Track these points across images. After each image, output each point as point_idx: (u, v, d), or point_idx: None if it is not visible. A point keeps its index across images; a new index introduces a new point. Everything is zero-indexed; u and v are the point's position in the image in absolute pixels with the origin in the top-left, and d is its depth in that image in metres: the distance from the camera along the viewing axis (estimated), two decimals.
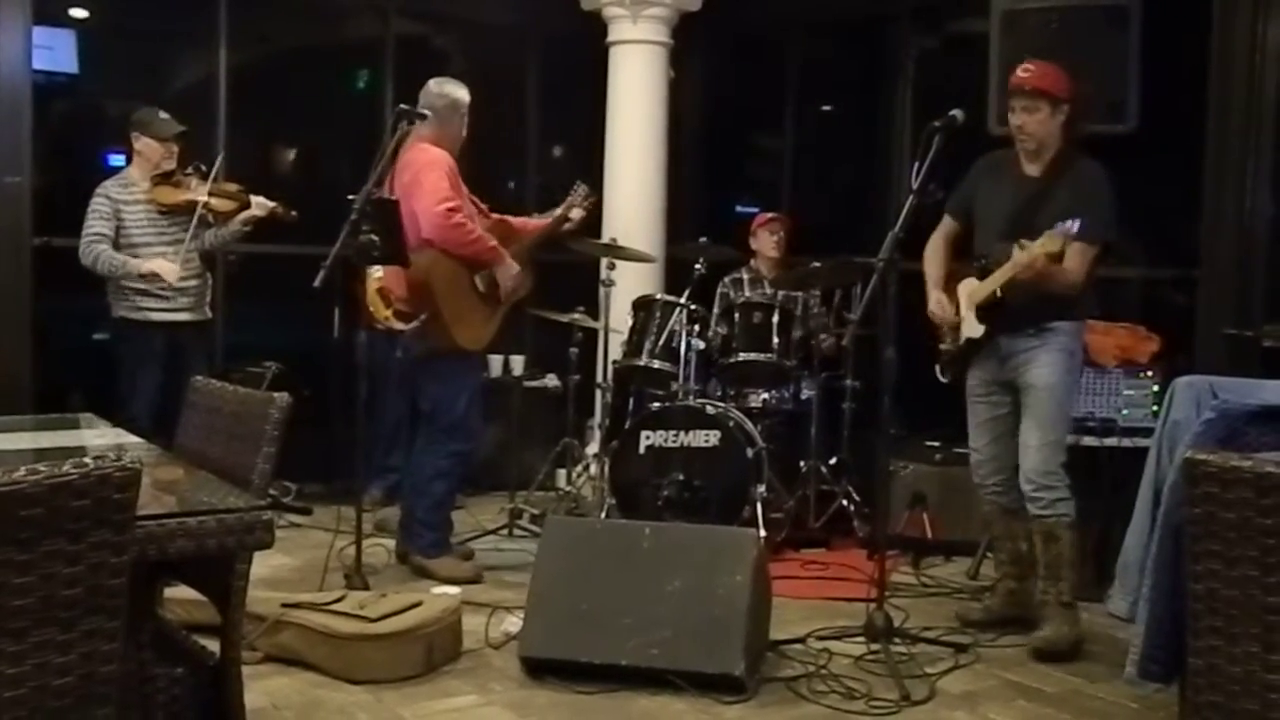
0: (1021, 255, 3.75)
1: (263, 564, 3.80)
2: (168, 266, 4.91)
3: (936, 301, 4.18)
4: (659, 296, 5.64)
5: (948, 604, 4.51)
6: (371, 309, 4.58)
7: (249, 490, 2.43)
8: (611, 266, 5.61)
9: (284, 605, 3.73)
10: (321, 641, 3.60)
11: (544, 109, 7.28)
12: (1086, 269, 3.90)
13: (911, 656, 3.80)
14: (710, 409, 5.20)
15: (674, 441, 5.10)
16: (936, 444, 5.41)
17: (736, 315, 5.51)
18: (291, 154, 7.25)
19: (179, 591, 3.07)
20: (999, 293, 3.93)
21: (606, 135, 6.68)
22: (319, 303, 4.28)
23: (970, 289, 4.08)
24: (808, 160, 7.17)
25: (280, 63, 6.91)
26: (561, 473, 6.17)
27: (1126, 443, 4.51)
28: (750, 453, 5.07)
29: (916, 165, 3.81)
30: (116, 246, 4.91)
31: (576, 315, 5.68)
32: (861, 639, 3.88)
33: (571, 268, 6.36)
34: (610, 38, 6.67)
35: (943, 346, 4.21)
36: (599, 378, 5.74)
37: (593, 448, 6.12)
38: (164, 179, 5.02)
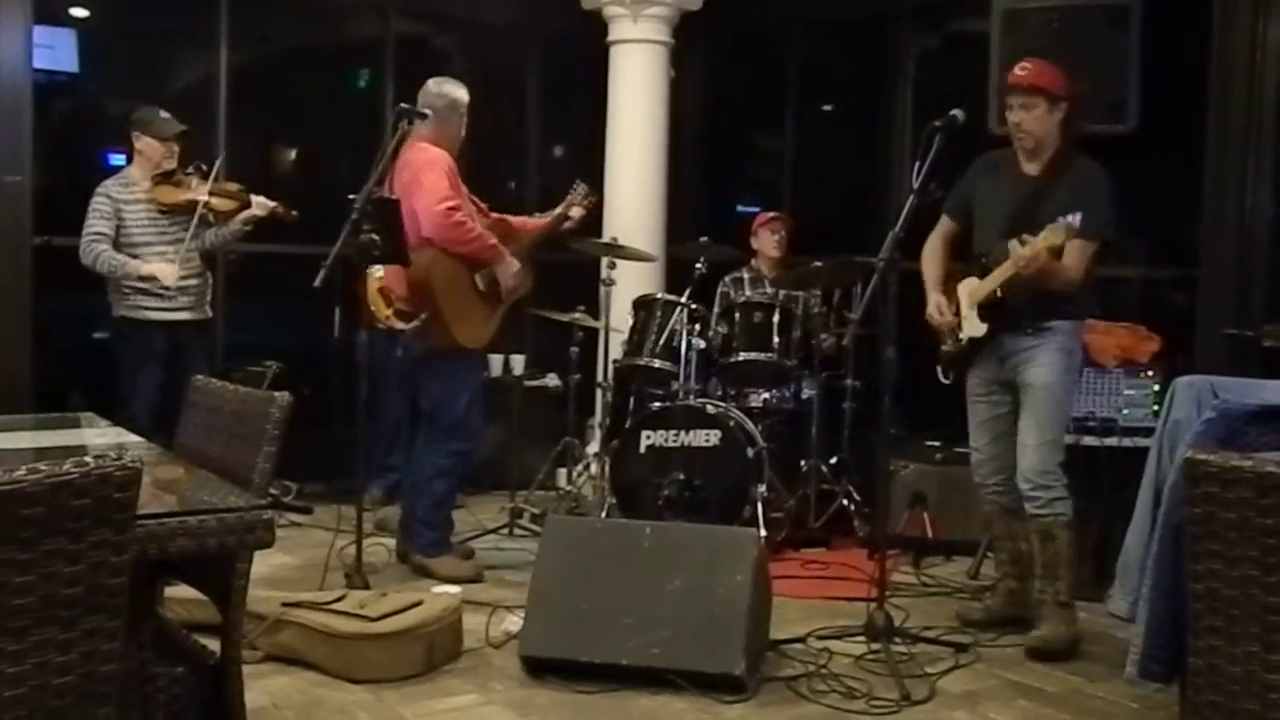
0: (1023, 250, 3.74)
1: (263, 563, 3.80)
2: (166, 269, 4.90)
3: (935, 305, 4.18)
4: (659, 296, 5.64)
5: (948, 604, 4.51)
6: (372, 308, 4.57)
7: (249, 489, 2.43)
8: (612, 266, 5.61)
9: (284, 604, 3.73)
10: (322, 641, 3.60)
11: (544, 109, 7.28)
12: (1086, 266, 3.90)
13: (912, 656, 3.80)
14: (711, 408, 5.20)
15: (674, 441, 5.10)
16: (937, 443, 5.40)
17: (737, 315, 5.51)
18: (292, 154, 7.26)
19: (179, 591, 3.07)
20: (1000, 291, 3.93)
21: (607, 135, 6.68)
22: (319, 302, 4.28)
23: (971, 288, 4.08)
24: (808, 160, 7.17)
25: (280, 63, 6.91)
26: (562, 472, 6.17)
27: (1127, 442, 4.51)
28: (751, 452, 5.07)
29: (917, 165, 3.82)
30: (117, 246, 4.91)
31: (577, 315, 5.68)
32: (862, 638, 3.88)
33: (572, 267, 6.36)
34: (610, 37, 6.67)
35: (944, 347, 4.20)
36: (599, 377, 5.74)
37: (593, 447, 6.12)
38: (165, 178, 5.03)
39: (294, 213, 5.26)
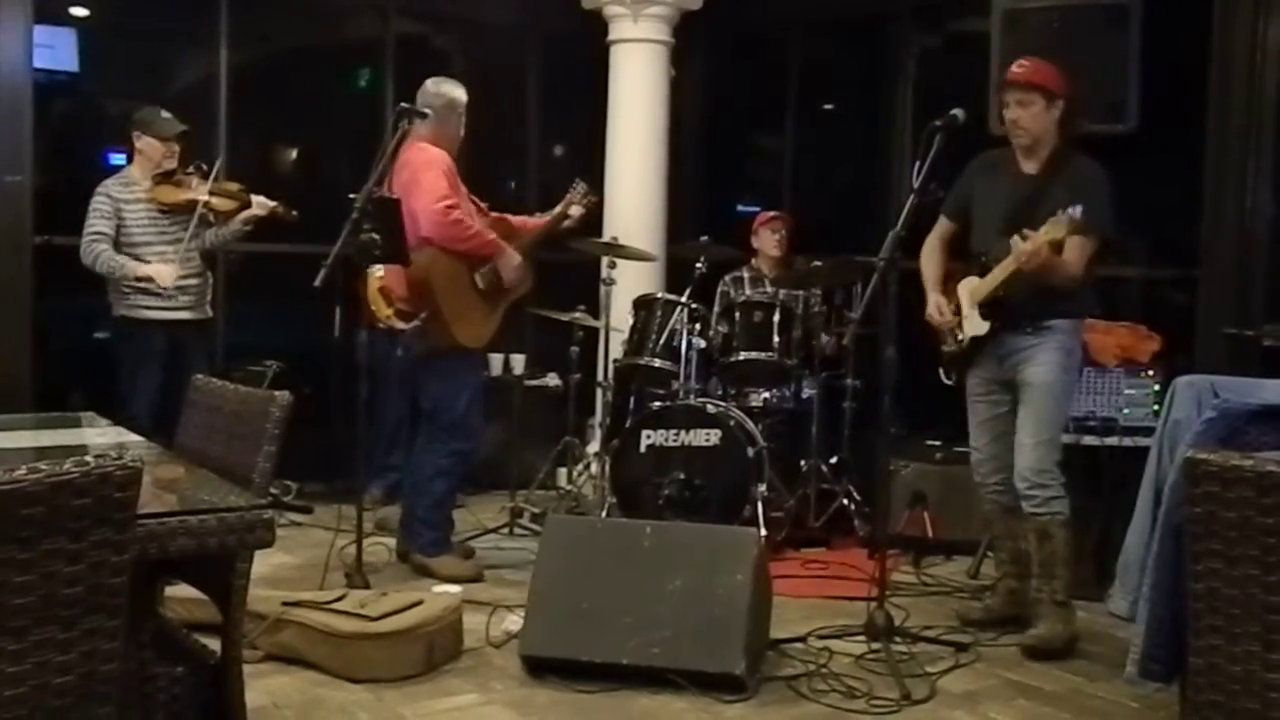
0: (1025, 245, 3.74)
1: (263, 563, 3.80)
2: (164, 270, 4.90)
3: (935, 305, 4.18)
4: (660, 295, 5.64)
5: (948, 603, 4.51)
6: (373, 308, 4.57)
7: (250, 489, 2.43)
8: (612, 265, 5.61)
9: (285, 604, 3.73)
10: (322, 640, 3.60)
11: (544, 108, 7.28)
12: (1086, 262, 3.90)
13: (912, 655, 3.80)
14: (711, 408, 5.20)
15: (675, 440, 5.10)
16: (937, 443, 5.40)
17: (737, 314, 5.51)
18: (292, 153, 7.26)
19: (180, 590, 3.07)
20: (1001, 289, 3.93)
21: (607, 134, 6.68)
22: (320, 302, 4.28)
23: (972, 287, 4.08)
24: (808, 159, 7.17)
25: (280, 62, 6.91)
26: (562, 471, 6.17)
27: (1127, 442, 4.51)
28: (751, 452, 5.07)
29: (917, 164, 3.82)
30: (117, 245, 4.91)
31: (577, 314, 5.68)
32: (862, 638, 3.88)
33: (572, 267, 6.36)
34: (611, 37, 6.67)
35: (946, 348, 4.20)
36: (600, 376, 5.74)
37: (593, 446, 6.12)
38: (165, 178, 5.03)
39: (294, 213, 5.26)
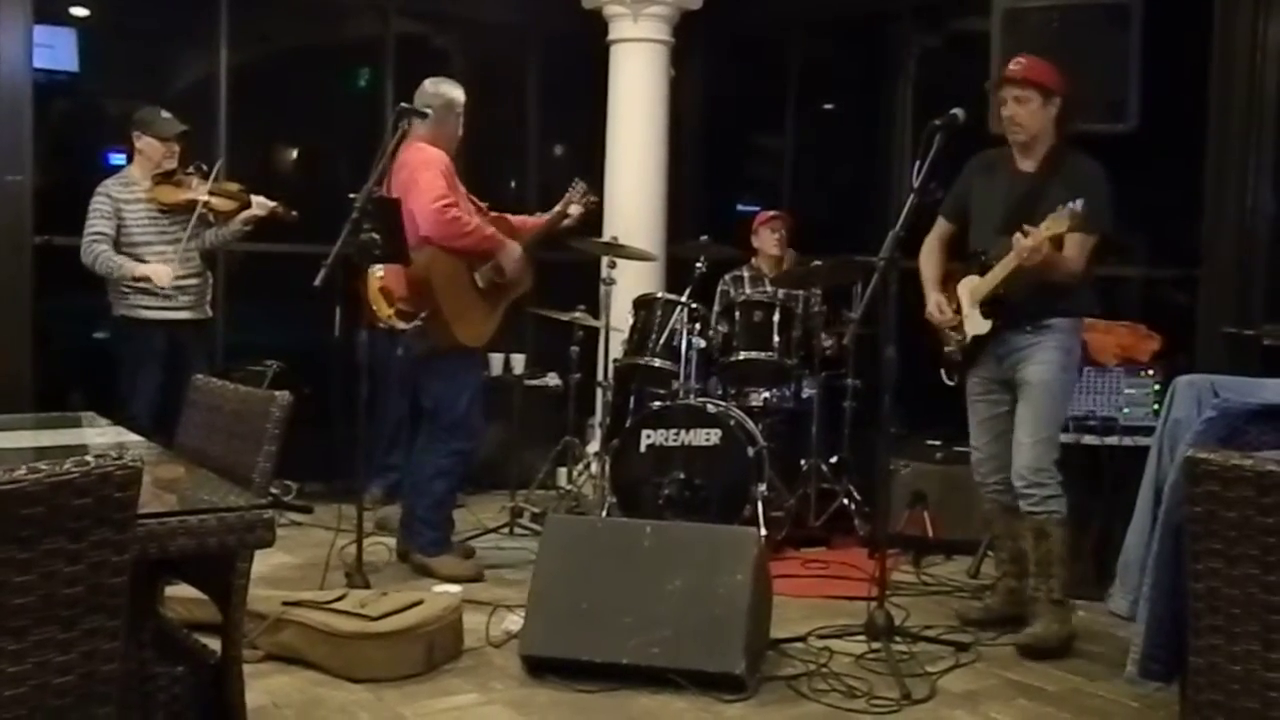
0: (1026, 241, 3.73)
1: (264, 562, 3.80)
2: (161, 270, 4.90)
3: (935, 304, 4.18)
4: (660, 295, 5.64)
5: (948, 603, 4.51)
6: (374, 307, 4.57)
7: (250, 489, 2.42)
8: (612, 265, 5.61)
9: (285, 604, 3.73)
10: (322, 640, 3.60)
11: (544, 108, 7.28)
12: (1086, 259, 3.90)
13: (912, 655, 3.80)
14: (711, 407, 5.20)
15: (675, 440, 5.10)
16: (937, 443, 5.40)
17: (737, 314, 5.51)
18: (292, 153, 7.26)
19: (180, 590, 3.08)
20: (1002, 287, 3.93)
21: (607, 134, 6.68)
22: (320, 302, 4.28)
23: (972, 285, 4.08)
24: (808, 159, 7.17)
25: (280, 62, 6.91)
26: (562, 471, 6.17)
27: (1127, 441, 4.51)
28: (751, 451, 5.07)
29: (917, 164, 3.82)
30: (117, 245, 4.91)
31: (577, 314, 5.68)
32: (862, 638, 3.88)
33: (572, 266, 6.36)
34: (611, 36, 6.67)
35: (947, 349, 4.20)
36: (600, 376, 5.74)
37: (593, 446, 6.12)
38: (165, 178, 5.03)
39: (294, 213, 5.26)
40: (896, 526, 5.22)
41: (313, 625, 3.62)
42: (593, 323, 5.68)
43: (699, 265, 5.59)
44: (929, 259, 4.27)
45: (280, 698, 3.41)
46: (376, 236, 4.28)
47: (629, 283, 5.81)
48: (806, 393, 5.61)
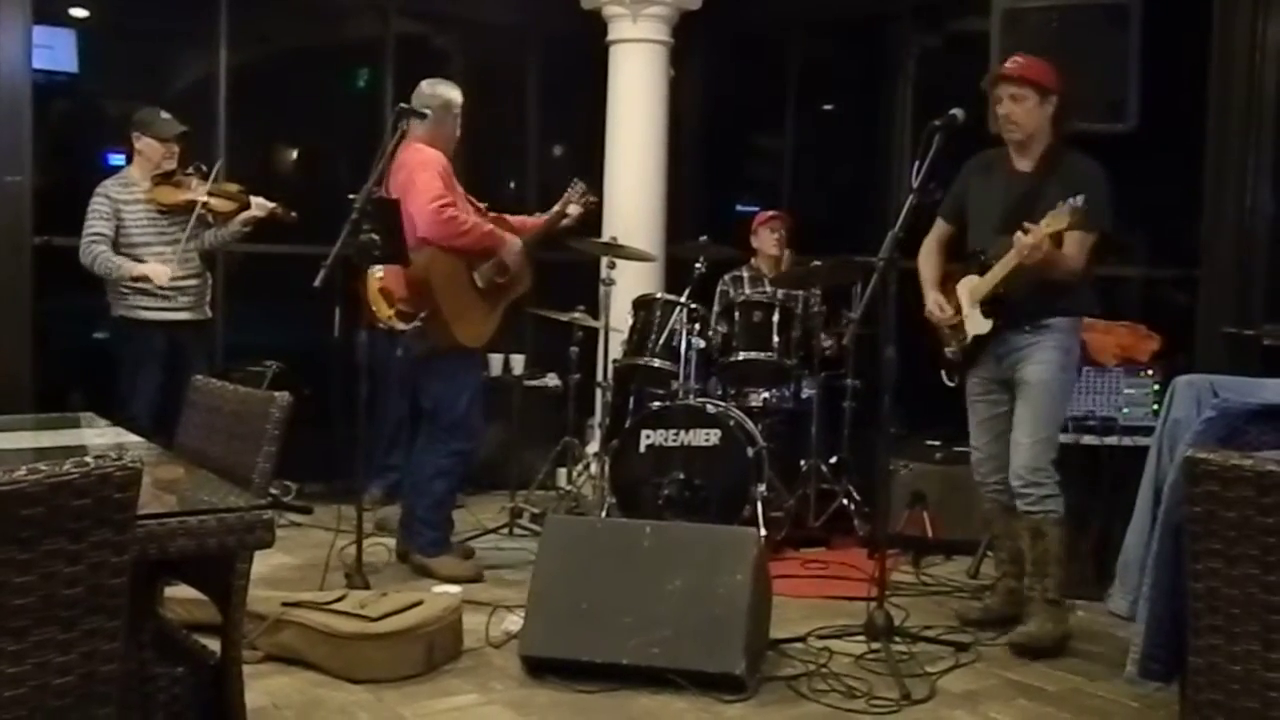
0: (1027, 238, 3.73)
1: (263, 563, 3.80)
2: (159, 269, 4.90)
3: (935, 302, 4.18)
4: (659, 295, 5.64)
5: (948, 603, 4.51)
6: (374, 308, 4.57)
7: (249, 489, 2.43)
8: (612, 265, 5.61)
9: (285, 604, 3.73)
10: (322, 641, 3.60)
11: (544, 108, 7.29)
12: (1085, 257, 3.90)
13: (912, 655, 3.80)
14: (711, 408, 5.20)
15: (674, 440, 5.10)
16: (937, 443, 5.40)
17: (737, 314, 5.51)
18: (291, 154, 7.26)
19: (180, 591, 3.07)
20: (1002, 286, 3.93)
21: (607, 134, 6.68)
22: (319, 302, 4.28)
23: (972, 285, 4.07)
24: (808, 159, 7.17)
25: (280, 63, 6.91)
26: (562, 472, 6.17)
27: (1127, 441, 4.51)
28: (750, 452, 5.07)
29: (917, 164, 3.82)
30: (116, 246, 4.91)
31: (577, 314, 5.68)
32: (862, 638, 3.88)
33: (572, 267, 6.36)
34: (610, 37, 6.67)
35: (948, 350, 4.19)
36: (599, 377, 5.74)
37: (593, 447, 6.12)
38: (164, 179, 5.03)
39: (293, 214, 5.26)
40: (896, 527, 5.22)
41: (312, 626, 3.62)
42: (592, 323, 5.68)
43: (698, 265, 5.59)
44: (927, 260, 4.27)
45: (280, 698, 3.41)
46: (376, 237, 4.28)
47: (628, 283, 5.81)
48: (806, 393, 5.61)
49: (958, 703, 3.50)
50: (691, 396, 5.29)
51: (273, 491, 4.15)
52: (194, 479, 2.54)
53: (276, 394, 2.62)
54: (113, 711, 1.80)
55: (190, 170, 5.09)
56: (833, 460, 5.62)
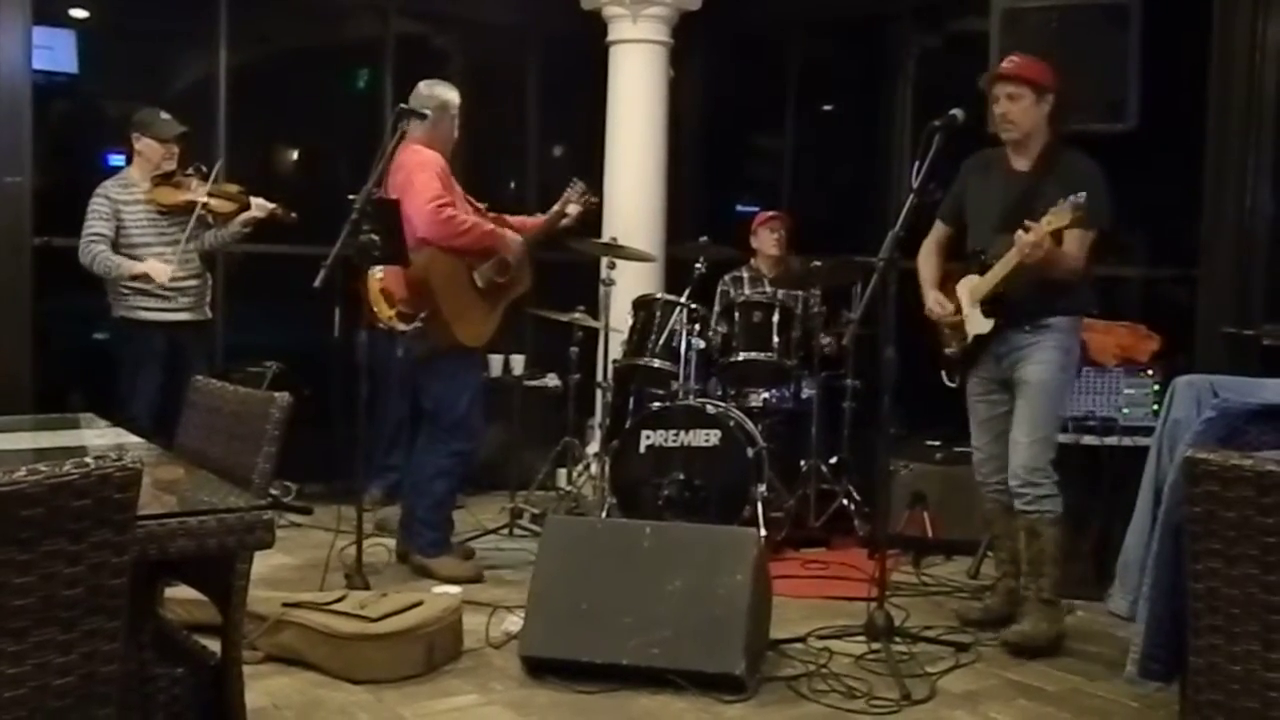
0: (1028, 236, 3.73)
1: (263, 563, 3.80)
2: (160, 267, 4.90)
3: (935, 300, 4.18)
4: (659, 296, 5.64)
5: (948, 603, 4.51)
6: (375, 308, 4.57)
7: (249, 490, 2.43)
8: (612, 266, 5.61)
9: (285, 605, 3.73)
10: (322, 641, 3.60)
11: (544, 109, 7.29)
12: (1085, 255, 3.90)
13: (912, 655, 3.80)
14: (711, 408, 5.20)
15: (674, 441, 5.10)
16: (937, 443, 5.40)
17: (737, 314, 5.51)
18: (291, 154, 7.26)
19: (180, 591, 3.07)
20: (1003, 285, 3.93)
21: (606, 135, 6.68)
22: (319, 302, 4.28)
23: (972, 285, 4.07)
24: (808, 160, 7.17)
25: (280, 63, 6.91)
26: (562, 472, 6.17)
27: (1127, 441, 4.51)
28: (750, 452, 5.07)
29: (917, 164, 3.82)
30: (116, 246, 4.91)
31: (577, 315, 5.69)
32: (862, 638, 3.88)
33: (572, 267, 6.36)
34: (610, 37, 6.67)
35: (948, 350, 4.19)
36: (599, 377, 5.73)
37: (593, 447, 6.12)
38: (164, 179, 5.03)
39: (293, 215, 5.26)
40: (896, 527, 5.22)
41: (312, 626, 3.62)
42: (592, 323, 5.68)
43: (698, 266, 5.59)
44: (927, 261, 4.27)
45: (280, 699, 3.41)
46: (376, 238, 4.28)
47: (628, 283, 5.81)
48: (806, 393, 5.61)
49: (958, 703, 3.50)
50: (691, 397, 5.29)
51: (273, 492, 4.15)
52: (194, 479, 2.54)
53: (276, 394, 2.62)
54: (113, 712, 1.80)
55: (190, 171, 5.09)
56: (833, 460, 5.62)
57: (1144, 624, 2.80)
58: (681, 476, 5.04)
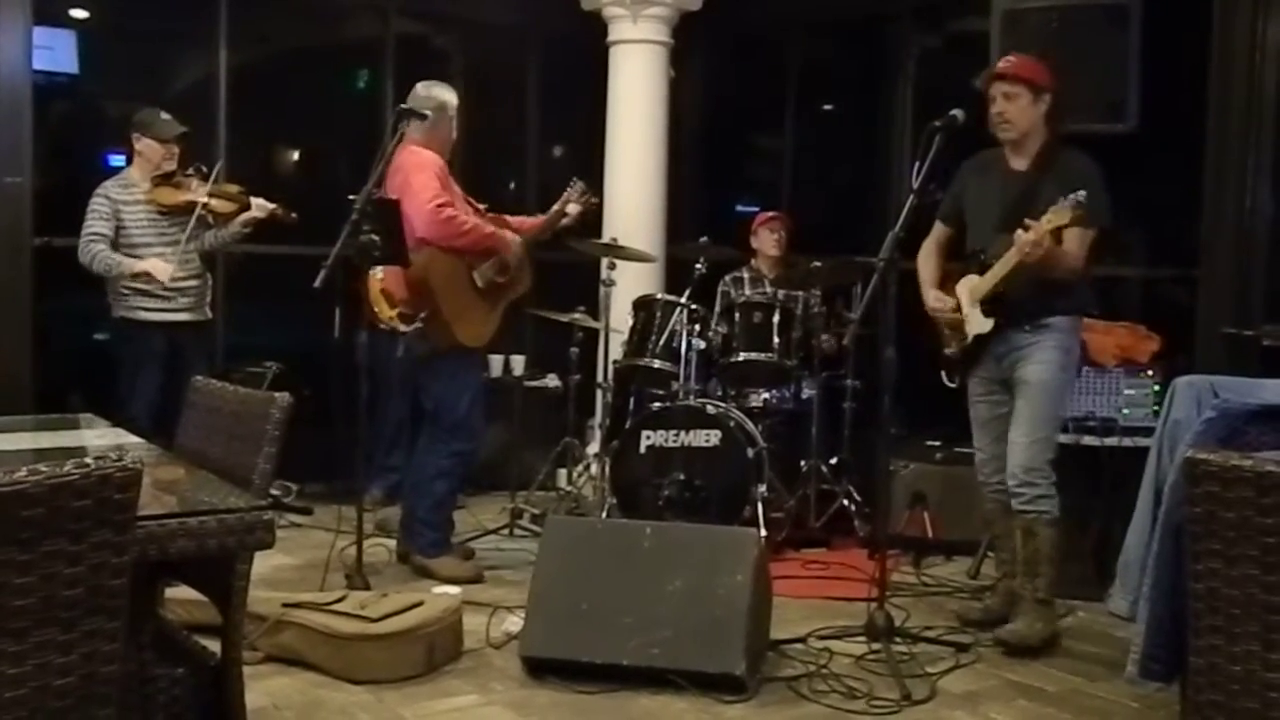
0: (1028, 235, 3.73)
1: (263, 564, 3.79)
2: (160, 266, 4.90)
3: (936, 298, 4.18)
4: (659, 296, 5.65)
5: (948, 603, 4.51)
6: (375, 308, 4.57)
7: (250, 490, 2.43)
8: (612, 266, 5.61)
9: (285, 605, 3.73)
10: (322, 641, 3.60)
11: (544, 109, 7.29)
12: (1085, 253, 3.90)
13: (912, 656, 3.80)
14: (711, 409, 5.20)
15: (675, 441, 5.10)
16: (937, 443, 5.41)
17: (737, 315, 5.51)
18: (292, 155, 7.26)
19: (180, 591, 3.07)
20: (1003, 285, 3.93)
21: (607, 135, 6.68)
22: (319, 303, 4.28)
23: (972, 285, 4.07)
24: (808, 160, 7.17)
25: (280, 63, 6.91)
26: (562, 472, 6.17)
27: (1127, 442, 4.51)
28: (751, 452, 5.07)
29: (917, 165, 3.82)
30: (116, 247, 4.92)
31: (577, 315, 5.69)
32: (862, 638, 3.88)
33: (572, 267, 6.36)
34: (610, 37, 6.67)
35: (948, 351, 4.19)
36: (600, 377, 5.73)
37: (593, 447, 6.12)
38: (164, 180, 5.03)
39: (293, 215, 5.26)
40: (896, 527, 5.22)
41: (313, 627, 3.62)
42: (592, 324, 5.68)
43: (698, 266, 5.59)
44: (926, 262, 4.28)
45: (280, 699, 3.41)
46: (376, 238, 4.28)
47: (628, 284, 5.81)
48: (806, 393, 5.61)
49: (958, 703, 3.50)
50: (692, 397, 5.29)
51: (273, 492, 4.13)
52: (194, 480, 2.54)
53: (276, 395, 2.62)
54: (113, 712, 1.80)
55: (190, 171, 5.09)
56: (833, 461, 5.62)
57: (1144, 624, 2.80)
58: (682, 477, 5.04)
